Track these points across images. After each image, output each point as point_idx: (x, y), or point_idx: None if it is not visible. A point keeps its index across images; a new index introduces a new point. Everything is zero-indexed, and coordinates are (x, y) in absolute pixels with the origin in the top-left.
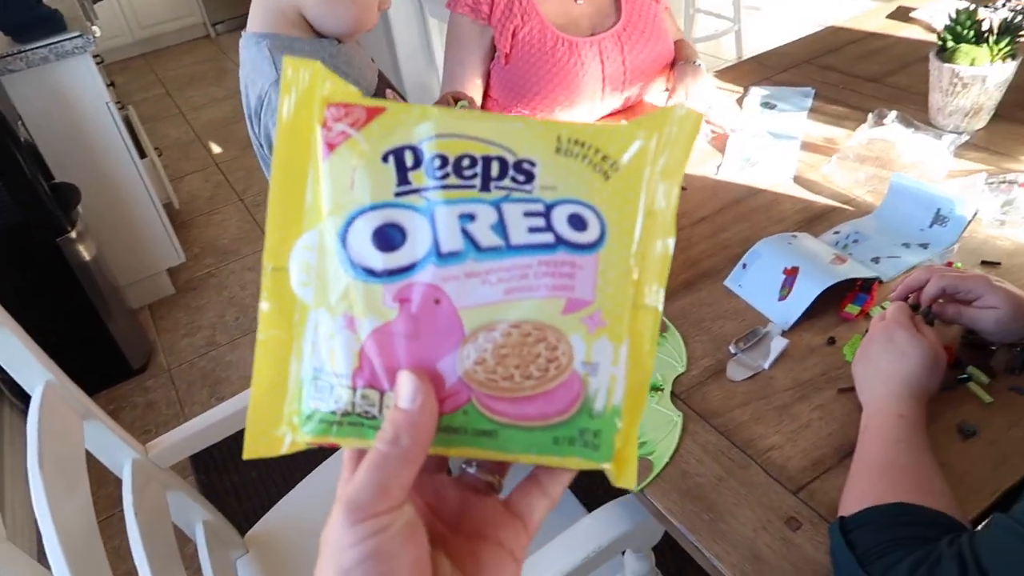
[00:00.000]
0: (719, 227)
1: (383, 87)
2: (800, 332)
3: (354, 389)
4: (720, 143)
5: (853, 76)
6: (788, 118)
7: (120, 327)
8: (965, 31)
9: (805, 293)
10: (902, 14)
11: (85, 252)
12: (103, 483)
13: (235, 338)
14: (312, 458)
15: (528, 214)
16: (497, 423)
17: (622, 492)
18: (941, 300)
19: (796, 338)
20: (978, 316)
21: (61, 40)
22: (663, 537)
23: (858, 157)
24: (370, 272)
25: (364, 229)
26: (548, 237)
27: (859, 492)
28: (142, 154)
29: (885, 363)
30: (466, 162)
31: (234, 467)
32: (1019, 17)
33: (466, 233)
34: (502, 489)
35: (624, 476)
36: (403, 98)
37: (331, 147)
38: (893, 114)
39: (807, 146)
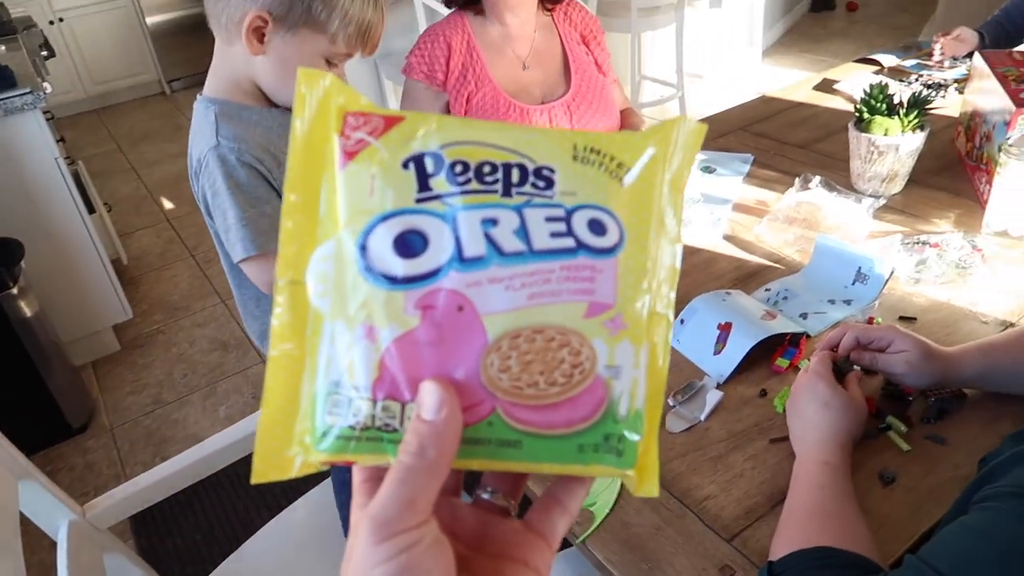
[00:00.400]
0: None
1: None
2: (734, 385)
3: (374, 401)
4: None
5: (784, 143)
6: (725, 182)
7: (60, 385)
8: (878, 104)
9: (738, 347)
10: (826, 86)
11: (27, 308)
12: (37, 548)
13: (182, 395)
14: (258, 519)
15: (550, 219)
16: (522, 432)
17: (565, 544)
18: (856, 350)
19: (730, 391)
20: (891, 360)
21: (10, 96)
22: None
23: (787, 219)
24: (391, 279)
25: (385, 236)
26: (569, 242)
27: (787, 537)
28: (91, 209)
29: (811, 413)
30: (487, 168)
31: (177, 530)
32: (926, 92)
33: (489, 238)
34: (516, 512)
35: (646, 484)
36: None
37: (350, 156)
38: (817, 179)
39: (741, 208)
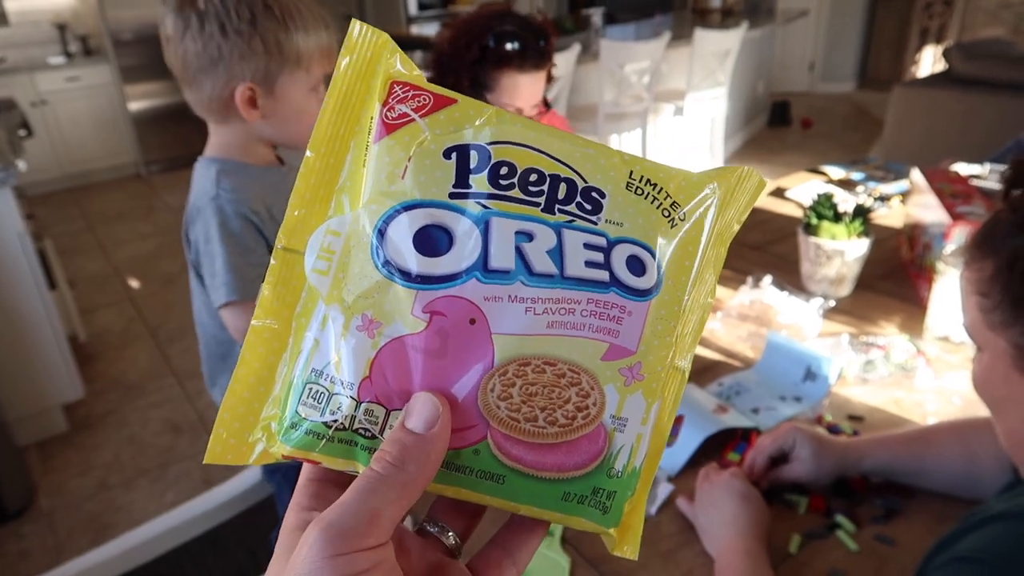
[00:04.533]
0: None
1: None
2: (685, 478)
3: (358, 401)
4: None
5: (739, 243)
6: None
7: None
8: (825, 211)
9: (690, 440)
10: (779, 192)
11: None
12: None
13: (130, 479)
14: None
15: (588, 246)
16: (508, 468)
17: None
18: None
19: (682, 484)
20: (794, 468)
21: None
22: None
23: (740, 316)
24: (405, 274)
25: (407, 226)
26: (604, 275)
27: None
28: (52, 285)
29: (731, 506)
30: (534, 177)
31: None
32: (870, 202)
33: (520, 252)
34: (461, 555)
35: (626, 545)
36: None
37: (389, 129)
38: (768, 278)
39: None
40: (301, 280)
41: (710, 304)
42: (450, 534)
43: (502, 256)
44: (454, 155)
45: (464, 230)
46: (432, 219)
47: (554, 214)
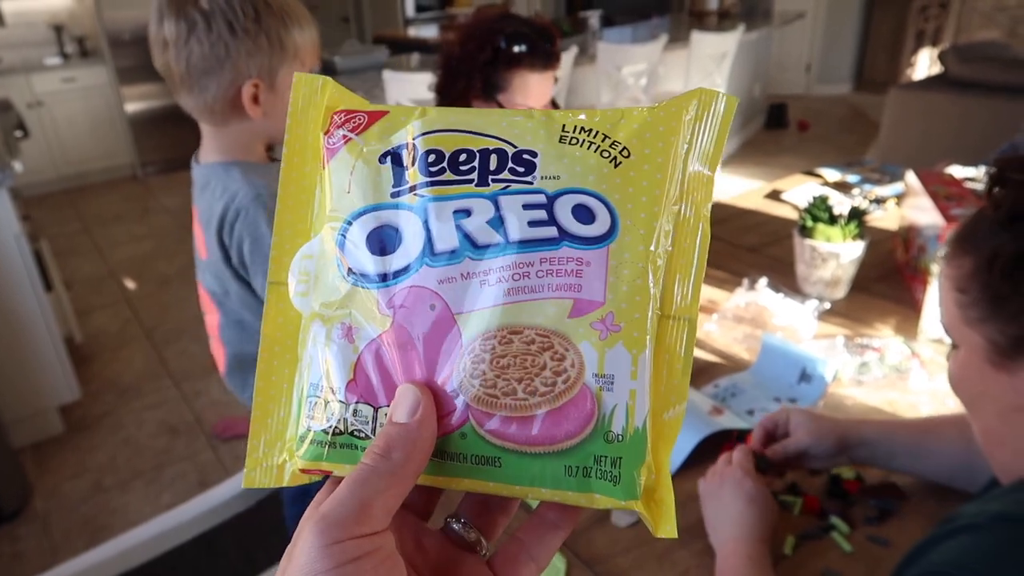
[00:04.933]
0: None
1: None
2: (681, 480)
3: (347, 404)
4: None
5: (736, 246)
6: None
7: None
8: (821, 213)
9: (685, 443)
10: (775, 195)
11: None
12: None
13: (125, 481)
14: None
15: (528, 206)
16: (499, 448)
17: None
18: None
19: (678, 485)
20: (796, 440)
21: None
22: None
23: (736, 318)
24: (365, 276)
25: (359, 232)
26: (551, 231)
27: None
28: (48, 287)
29: (737, 507)
30: (463, 157)
31: None
32: (865, 205)
33: (461, 230)
34: (488, 552)
35: (662, 521)
36: None
37: (333, 152)
38: (764, 280)
39: None
40: (291, 308)
41: (707, 235)
42: (472, 531)
43: (445, 238)
44: (388, 158)
45: (409, 223)
46: (379, 221)
47: (488, 185)
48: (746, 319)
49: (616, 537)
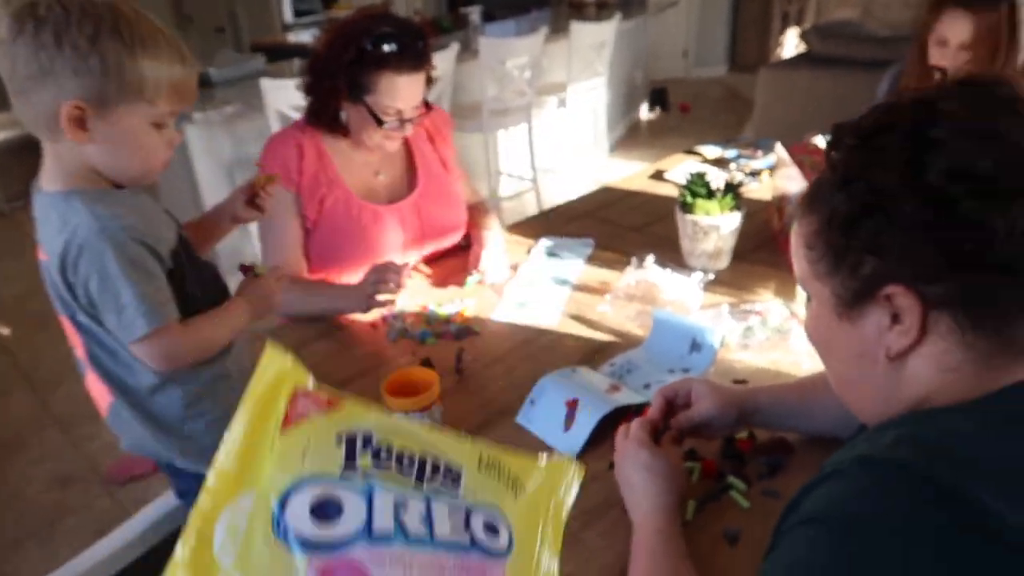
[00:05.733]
0: (510, 367)
1: (179, 227)
2: (584, 460)
3: None
4: (500, 290)
5: (623, 227)
6: (569, 265)
7: None
8: (699, 189)
9: (586, 423)
10: (658, 175)
11: None
12: None
13: (16, 542)
14: None
15: (452, 511)
16: None
17: None
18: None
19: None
20: (700, 410)
21: None
22: None
23: (627, 296)
24: (302, 542)
25: (304, 499)
26: (466, 538)
27: None
28: None
29: (638, 481)
30: (406, 459)
31: None
32: (740, 178)
33: (398, 518)
34: None
35: None
36: (196, 257)
37: (291, 422)
38: (651, 257)
39: (586, 289)
40: (210, 557)
41: (555, 564)
42: None
43: (384, 522)
44: (343, 440)
45: (352, 501)
46: (325, 493)
47: (423, 486)
48: (637, 297)
49: None
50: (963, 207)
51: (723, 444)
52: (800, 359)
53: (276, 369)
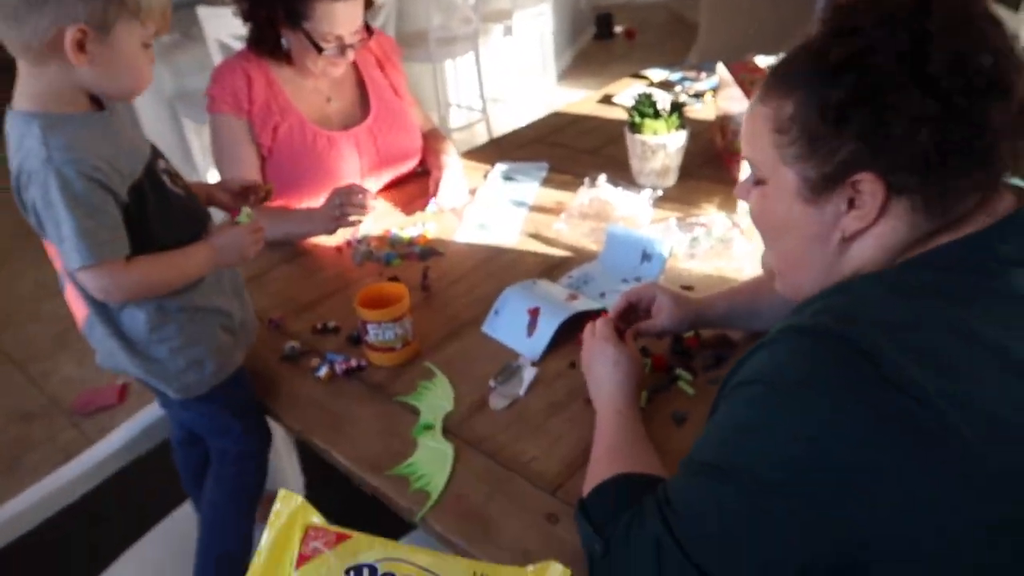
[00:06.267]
0: (473, 284)
1: (155, 157)
2: (547, 362)
3: None
4: (459, 213)
5: (575, 150)
6: (525, 187)
7: None
8: (646, 109)
9: (547, 328)
10: (607, 99)
11: None
12: None
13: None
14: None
15: None
16: None
17: (408, 527)
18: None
19: (544, 367)
20: (660, 322)
21: None
22: None
23: (581, 215)
24: None
25: None
26: None
27: (593, 476)
28: None
29: (602, 371)
30: None
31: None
32: (685, 99)
33: None
34: None
35: None
36: (176, 174)
37: (304, 559)
38: (603, 177)
39: (542, 209)
40: None
41: None
42: None
43: None
44: (352, 572)
45: None
46: None
47: None
48: (590, 215)
49: (495, 419)
50: (960, 101)
51: (672, 341)
52: (742, 265)
53: (289, 511)
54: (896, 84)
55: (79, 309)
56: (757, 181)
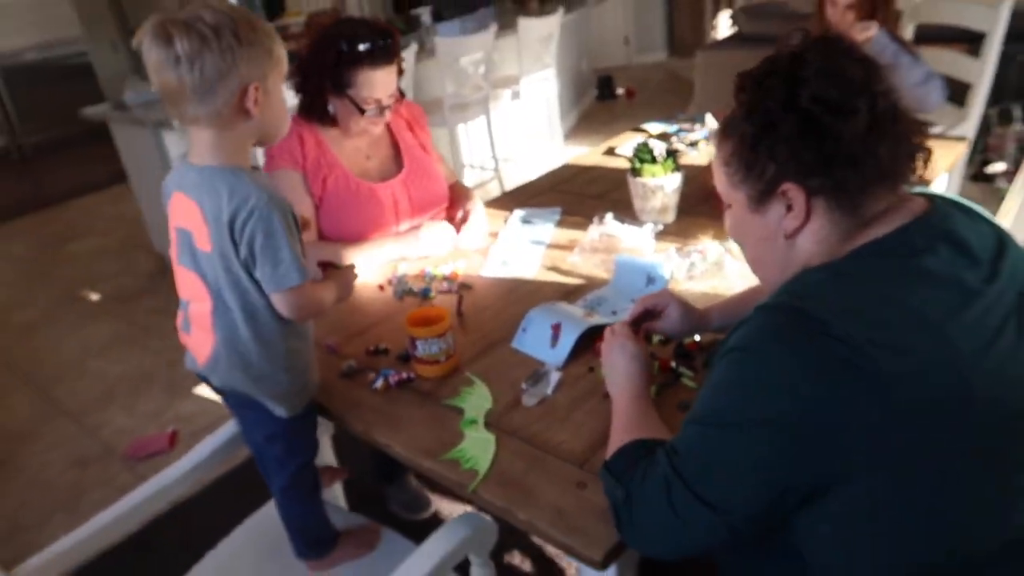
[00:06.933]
0: (500, 310)
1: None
2: (570, 367)
3: None
4: (484, 252)
5: (584, 195)
6: (542, 228)
7: None
8: (645, 156)
9: (568, 339)
10: (610, 151)
11: None
12: None
13: (44, 516)
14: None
15: None
16: None
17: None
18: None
19: (567, 372)
20: (665, 323)
21: None
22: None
23: (592, 248)
24: None
25: None
26: None
27: (613, 444)
28: None
29: (623, 363)
30: None
31: None
32: (680, 146)
33: None
34: None
35: None
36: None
37: None
38: (610, 215)
39: (558, 246)
40: None
41: None
42: None
43: None
44: None
45: None
46: None
47: None
48: (600, 248)
49: (528, 414)
50: (823, 121)
51: (675, 346)
52: (733, 283)
53: None
54: (781, 116)
55: (205, 344)
56: (726, 206)
